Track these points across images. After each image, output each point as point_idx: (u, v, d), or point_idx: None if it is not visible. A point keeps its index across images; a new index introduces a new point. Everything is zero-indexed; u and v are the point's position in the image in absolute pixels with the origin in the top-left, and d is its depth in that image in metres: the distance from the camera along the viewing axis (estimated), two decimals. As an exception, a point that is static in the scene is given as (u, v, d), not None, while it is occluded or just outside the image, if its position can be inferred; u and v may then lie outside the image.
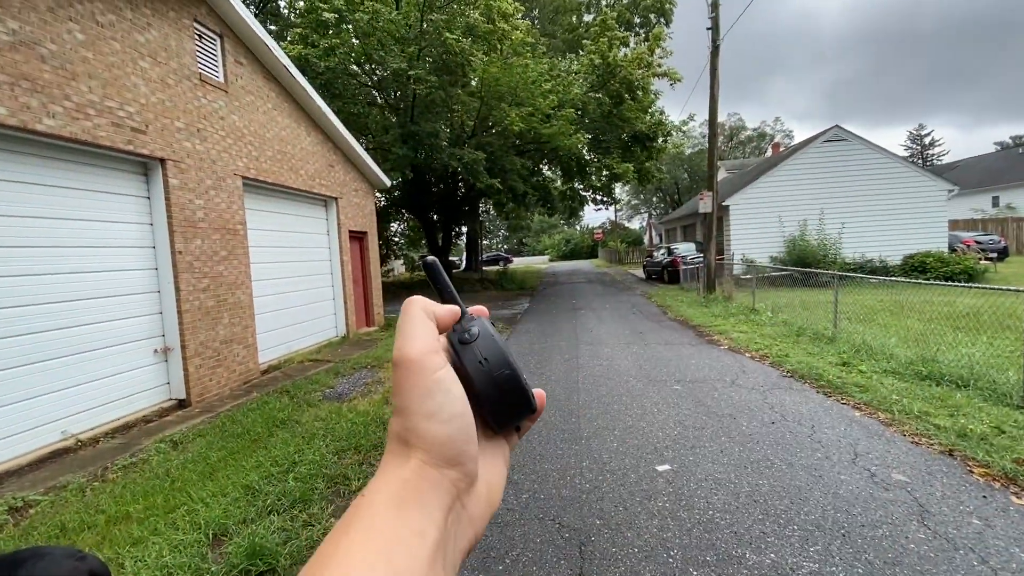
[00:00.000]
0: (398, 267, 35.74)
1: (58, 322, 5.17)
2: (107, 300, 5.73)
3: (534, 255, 71.21)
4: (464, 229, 31.51)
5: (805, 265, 16.42)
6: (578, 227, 71.10)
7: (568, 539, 3.08)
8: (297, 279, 9.75)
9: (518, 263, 46.27)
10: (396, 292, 21.00)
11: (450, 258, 29.00)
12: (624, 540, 3.05)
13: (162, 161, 6.31)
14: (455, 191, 22.78)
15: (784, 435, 4.49)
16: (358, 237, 12.36)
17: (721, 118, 31.36)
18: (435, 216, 24.91)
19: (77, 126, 5.17)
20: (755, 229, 19.57)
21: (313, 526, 3.27)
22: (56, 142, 5.10)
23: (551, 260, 62.77)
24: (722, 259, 17.46)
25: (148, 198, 6.36)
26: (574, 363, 7.71)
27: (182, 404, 6.48)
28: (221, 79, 7.50)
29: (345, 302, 11.29)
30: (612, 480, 3.83)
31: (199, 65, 7.02)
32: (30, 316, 4.90)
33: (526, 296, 19.47)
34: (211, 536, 3.13)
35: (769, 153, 37.31)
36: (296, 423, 5.27)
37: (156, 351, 6.35)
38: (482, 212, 32.96)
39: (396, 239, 31.65)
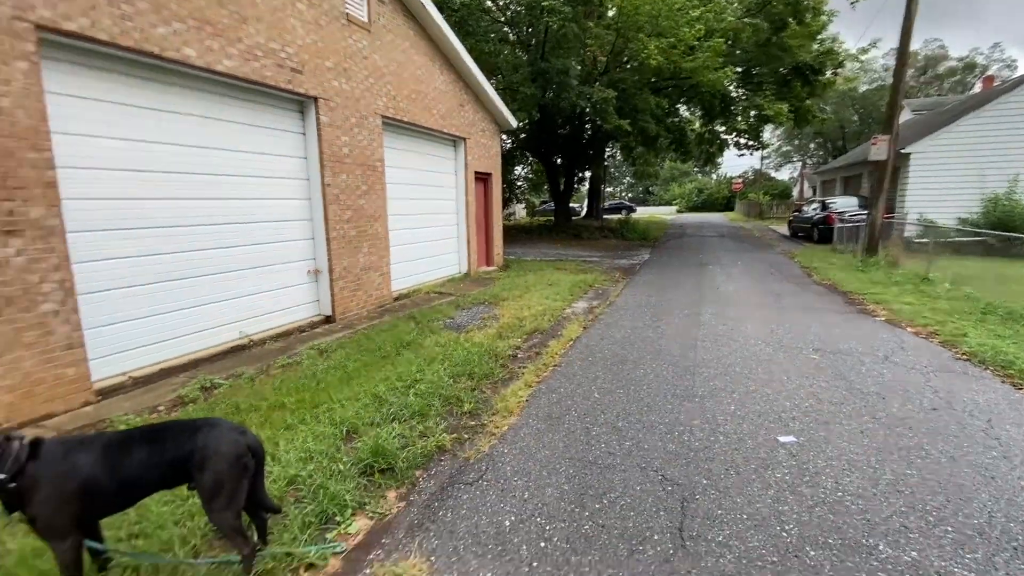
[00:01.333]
0: (519, 211, 36.29)
1: (237, 240, 6.10)
2: (273, 224, 6.61)
3: (660, 205, 67.26)
4: (587, 174, 30.60)
5: (1009, 230, 13.27)
6: (714, 175, 65.06)
7: (670, 492, 2.99)
8: (426, 216, 10.34)
9: (641, 212, 44.14)
10: (515, 235, 21.43)
11: (570, 204, 28.55)
12: (732, 504, 2.88)
13: (315, 100, 6.91)
14: (581, 133, 21.98)
15: (948, 425, 3.81)
16: (483, 178, 12.63)
17: (915, 45, 25.42)
18: (559, 160, 24.48)
19: (248, 67, 5.81)
20: (941, 183, 16.16)
21: (427, 437, 3.59)
22: (232, 81, 5.80)
23: (679, 211, 58.82)
24: (891, 218, 14.80)
25: (303, 134, 7.05)
26: (694, 319, 7.26)
27: (328, 320, 7.41)
28: (365, 18, 7.85)
29: (468, 241, 11.78)
30: (725, 443, 3.60)
31: (346, 5, 7.40)
32: (217, 234, 5.84)
33: (647, 247, 18.61)
34: (344, 432, 3.60)
35: (977, 88, 29.86)
36: (419, 346, 5.74)
37: (309, 272, 7.26)
38: (607, 157, 31.60)
39: (519, 182, 31.92)
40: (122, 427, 3.82)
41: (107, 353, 4.76)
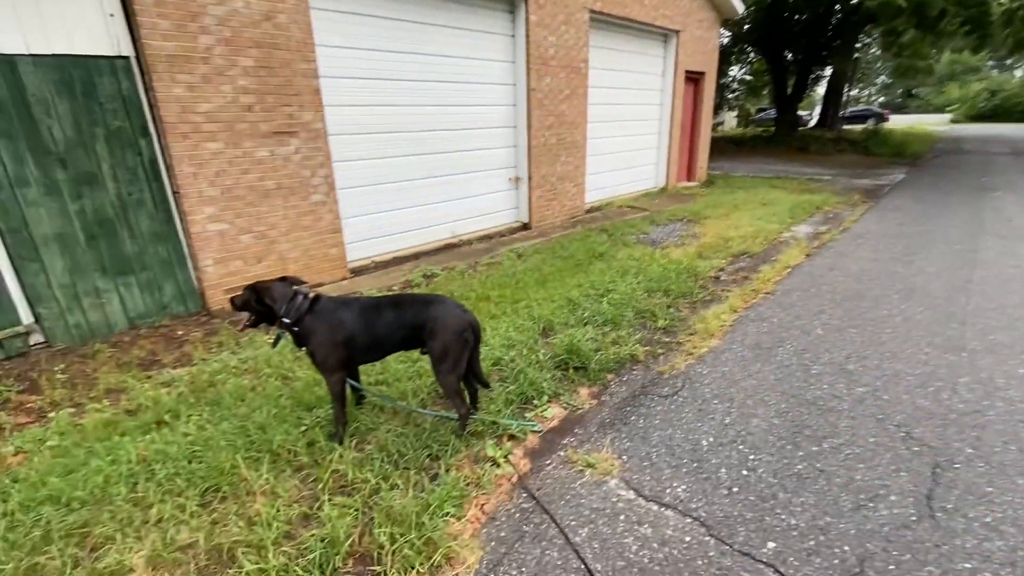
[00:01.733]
0: (729, 119, 31.71)
1: (452, 146, 6.56)
2: (480, 131, 6.92)
3: (927, 112, 51.84)
4: (826, 72, 24.79)
5: None
6: (1018, 72, 46.90)
7: (918, 454, 2.46)
8: (625, 124, 9.71)
9: (896, 122, 34.64)
10: (723, 148, 18.99)
11: (798, 111, 23.73)
12: (1009, 485, 2.24)
13: (524, -3, 6.70)
14: (828, 17, 17.57)
15: None
16: (694, 79, 11.18)
17: None
18: (789, 55, 20.25)
19: (466, -35, 5.83)
20: None
21: (619, 345, 3.56)
22: (451, -17, 5.91)
23: (954, 120, 44.75)
24: None
25: (512, 36, 6.99)
26: (967, 257, 5.59)
27: (524, 227, 7.74)
28: None
29: (669, 152, 10.82)
30: (1005, 411, 2.78)
31: None
32: (432, 139, 6.35)
33: (902, 165, 14.74)
34: (541, 328, 3.79)
35: None
36: (612, 258, 5.63)
37: (510, 179, 7.55)
38: (858, 49, 24.97)
39: (733, 86, 27.65)
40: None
41: (356, 240, 5.75)
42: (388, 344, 2.46)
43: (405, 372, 3.14)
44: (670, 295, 4.50)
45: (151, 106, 4.06)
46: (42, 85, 3.57)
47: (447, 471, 2.31)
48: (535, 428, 2.65)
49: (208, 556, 1.90)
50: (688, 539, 1.96)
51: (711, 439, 2.58)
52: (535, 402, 2.89)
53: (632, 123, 9.94)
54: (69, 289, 3.90)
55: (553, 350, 3.40)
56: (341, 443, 2.50)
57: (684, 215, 8.08)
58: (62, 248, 3.83)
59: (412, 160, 6.19)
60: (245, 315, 2.47)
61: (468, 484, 2.24)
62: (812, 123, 27.68)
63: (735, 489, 2.23)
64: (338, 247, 5.42)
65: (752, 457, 2.43)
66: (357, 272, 5.65)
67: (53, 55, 3.60)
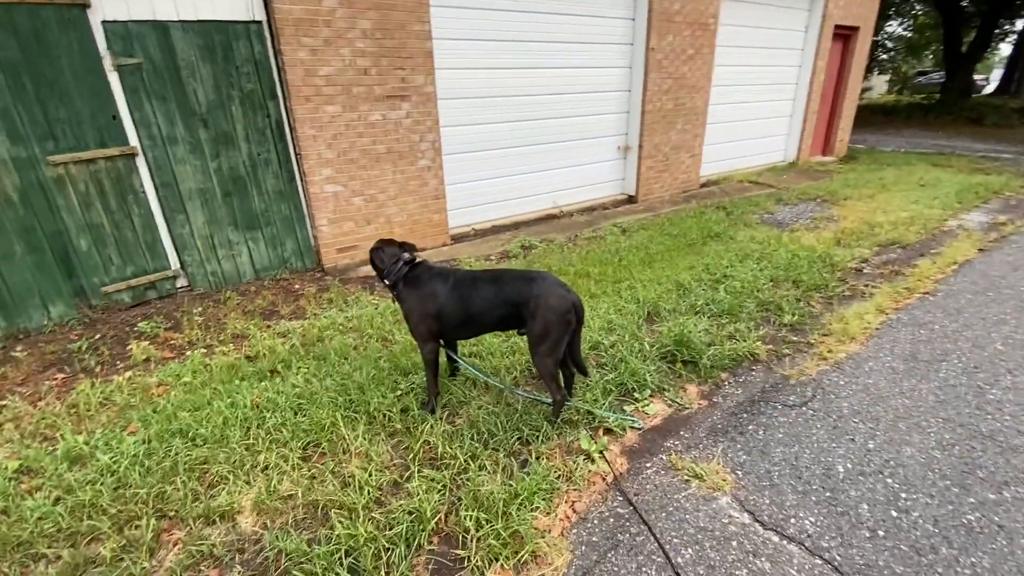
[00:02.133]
0: (879, 85, 27.21)
1: (555, 111, 6.22)
2: (589, 96, 6.50)
3: None
4: (1017, 26, 20.17)
5: None
6: None
7: None
8: (754, 88, 8.64)
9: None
10: (869, 118, 16.44)
11: (973, 75, 19.64)
12: None
13: (652, -57, 6.05)
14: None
15: None
16: (844, 35, 9.62)
17: None
18: (969, 5, 16.70)
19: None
20: None
21: (736, 340, 3.16)
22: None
23: None
24: None
25: (634, -10, 6.40)
26: None
27: (630, 200, 7.27)
28: None
29: (804, 121, 9.52)
30: None
31: None
32: (538, 104, 6.05)
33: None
34: (646, 313, 3.49)
35: None
36: (731, 239, 5.06)
37: (619, 148, 7.08)
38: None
39: (887, 45, 23.62)
40: (466, 267, 4.63)
41: (457, 207, 5.74)
42: (484, 321, 2.35)
43: (499, 347, 3.05)
44: (800, 287, 3.92)
45: (279, 69, 4.25)
46: (189, 49, 3.85)
47: (537, 459, 2.18)
48: (635, 424, 2.43)
49: (305, 510, 1.97)
50: (817, 585, 1.65)
51: (849, 465, 2.18)
52: (636, 395, 2.65)
53: (762, 87, 8.81)
54: (207, 240, 4.31)
55: (659, 339, 3.10)
56: (433, 413, 2.47)
57: (818, 194, 7.08)
58: (203, 202, 4.21)
59: (517, 126, 5.98)
60: None
61: (559, 477, 2.10)
62: (988, 89, 22.94)
63: (880, 533, 1.85)
64: (440, 213, 5.44)
65: (905, 496, 2.01)
66: (457, 239, 5.66)
67: (199, 20, 3.86)
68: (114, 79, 3.66)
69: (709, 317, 3.42)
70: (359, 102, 4.59)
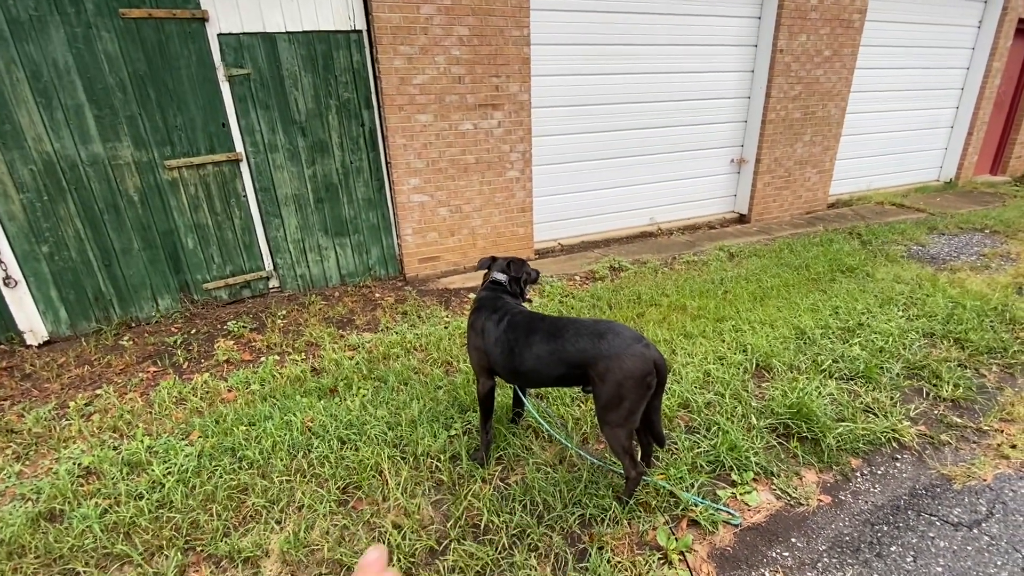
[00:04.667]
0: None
1: (659, 120, 5.67)
2: (702, 103, 5.86)
3: None
4: None
5: None
6: None
7: None
8: (906, 94, 7.33)
9: None
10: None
11: None
12: None
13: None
14: None
15: None
16: (1035, 29, 7.86)
17: None
18: None
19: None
20: None
21: (874, 415, 2.48)
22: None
23: None
24: None
25: (763, -16, 5.66)
26: None
27: (741, 219, 6.47)
28: None
29: (969, 133, 7.93)
30: None
31: None
32: (641, 112, 5.55)
33: None
34: (754, 365, 2.90)
35: None
36: (868, 276, 4.19)
37: (732, 161, 6.33)
38: None
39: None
40: (548, 288, 4.29)
41: (544, 220, 5.43)
42: (538, 378, 1.98)
43: (569, 391, 2.68)
44: (966, 348, 3.07)
45: (375, 78, 4.24)
46: (292, 59, 3.95)
47: (600, 549, 1.78)
48: (733, 521, 1.93)
49: (329, 569, 1.76)
50: None
51: (1055, 638, 1.52)
52: (734, 477, 2.13)
53: (916, 93, 7.44)
54: (299, 244, 4.42)
55: (768, 403, 2.52)
56: (483, 466, 2.17)
57: (987, 223, 5.76)
58: (297, 207, 4.32)
59: (615, 136, 5.53)
60: None
61: (625, 579, 1.69)
62: None
63: None
64: (526, 227, 5.17)
65: None
66: (541, 254, 5.35)
67: (303, 31, 3.94)
68: (225, 88, 3.85)
69: (838, 379, 2.74)
70: (451, 111, 4.47)
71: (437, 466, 2.18)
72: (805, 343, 3.10)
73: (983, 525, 1.91)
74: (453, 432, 2.38)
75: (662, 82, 5.54)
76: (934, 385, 2.75)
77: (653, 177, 5.94)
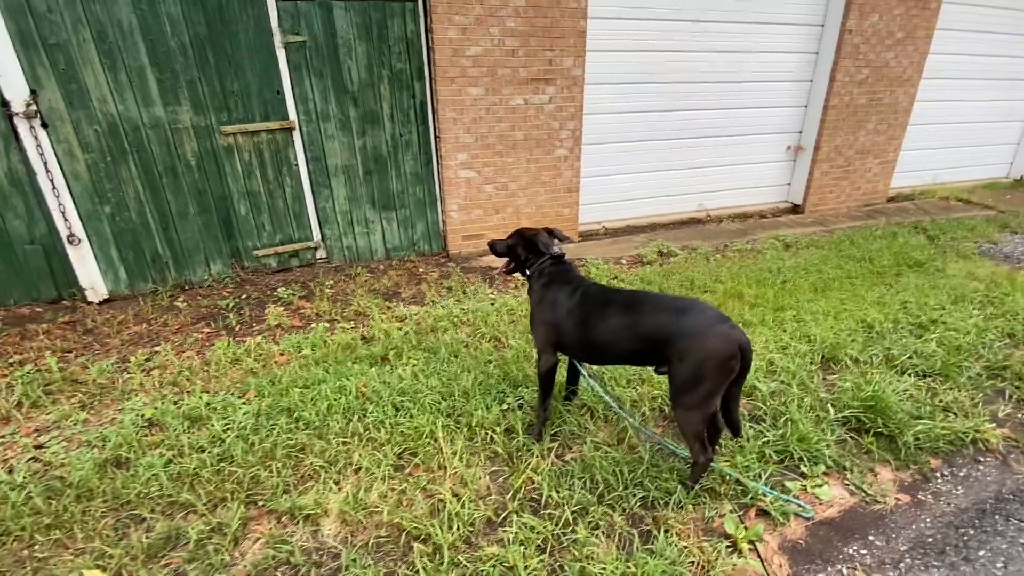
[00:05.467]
0: None
1: (714, 102, 5.43)
2: (760, 85, 5.59)
3: None
4: None
5: None
6: None
7: None
8: (980, 83, 6.83)
9: None
10: None
11: None
12: None
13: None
14: None
15: None
16: None
17: None
18: None
19: None
20: None
21: (953, 415, 2.33)
22: None
23: None
24: None
25: (836, -43, 5.32)
26: None
27: (795, 209, 6.20)
28: None
29: (1049, 127, 7.36)
30: None
31: None
32: (696, 93, 5.30)
33: None
34: (820, 357, 2.76)
35: None
36: (938, 272, 3.94)
37: (789, 148, 6.04)
38: None
39: None
40: (594, 270, 4.19)
41: (590, 202, 5.30)
42: (610, 354, 1.92)
43: (626, 372, 2.60)
44: (1052, 352, 2.85)
45: (428, 49, 4.17)
46: (347, 27, 3.91)
47: (665, 532, 1.71)
48: (805, 514, 1.83)
49: (388, 532, 1.75)
50: None
51: None
52: (804, 470, 2.02)
53: (991, 83, 6.92)
54: (347, 216, 4.43)
55: (840, 395, 2.39)
56: (539, 441, 2.12)
57: (1069, 224, 5.36)
58: (346, 179, 4.32)
59: (667, 116, 5.32)
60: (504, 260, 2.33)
61: (693, 565, 1.62)
62: None
63: None
64: (571, 207, 5.06)
65: None
66: (586, 236, 5.24)
67: (360, -1, 3.90)
68: (281, 55, 3.84)
69: (912, 376, 2.58)
70: (502, 85, 4.37)
71: (492, 438, 2.14)
72: (873, 337, 2.93)
73: (1085, 537, 1.76)
74: (506, 406, 2.34)
75: (719, 62, 5.30)
76: (1017, 387, 2.56)
77: (704, 161, 5.73)
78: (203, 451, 2.06)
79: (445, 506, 1.80)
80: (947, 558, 1.69)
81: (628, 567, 1.56)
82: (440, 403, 2.33)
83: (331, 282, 4.06)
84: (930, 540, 1.76)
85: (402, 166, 4.45)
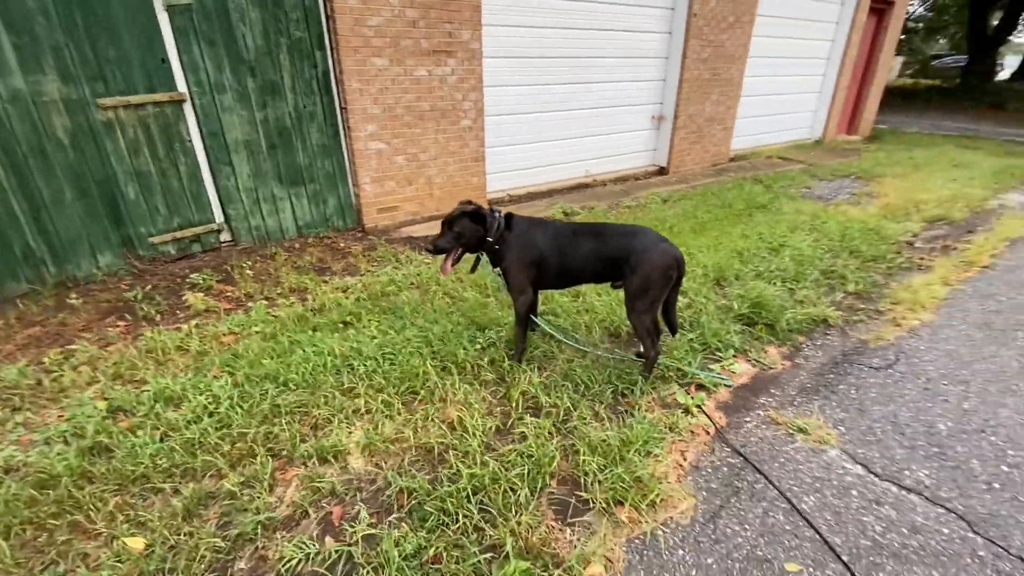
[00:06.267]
0: (896, 67, 26.60)
1: (592, 76, 6.03)
2: (628, 61, 6.33)
3: None
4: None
5: None
6: None
7: None
8: (786, 61, 8.47)
9: None
10: (887, 101, 16.20)
11: (996, 61, 19.27)
12: None
13: (703, -99, 5.82)
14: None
15: None
16: (879, 10, 9.42)
17: None
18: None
19: None
20: None
21: (806, 305, 3.15)
22: None
23: None
24: None
25: (681, -50, 6.18)
26: None
27: (662, 171, 7.18)
28: None
29: (833, 98, 9.38)
30: None
31: None
32: (577, 68, 5.86)
33: None
34: (714, 278, 3.46)
35: None
36: (778, 211, 5.02)
37: (653, 117, 6.94)
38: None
39: (908, 25, 23.15)
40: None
41: (494, 171, 5.63)
42: (581, 274, 2.32)
43: (570, 306, 3.02)
44: (859, 257, 3.91)
45: (328, 17, 4.08)
46: (240, -9, 3.68)
47: (636, 410, 2.17)
48: (726, 381, 2.43)
49: (417, 452, 1.96)
50: (947, 531, 1.67)
51: (949, 424, 2.19)
52: (720, 355, 2.64)
53: (795, 61, 8.64)
54: (252, 193, 4.20)
55: (734, 302, 3.08)
56: (519, 363, 2.46)
57: (851, 171, 7.02)
58: (248, 154, 4.08)
59: (554, 89, 5.81)
60: (442, 256, 2.29)
61: (663, 426, 2.10)
62: (1003, 75, 22.67)
63: (996, 485, 1.86)
64: (479, 176, 5.34)
65: (1012, 452, 2.03)
66: (494, 204, 5.57)
67: (250, -40, 3.68)
68: (164, 19, 3.51)
69: (772, 283, 3.40)
70: (406, 56, 4.44)
71: (480, 369, 2.42)
72: (745, 259, 3.75)
73: (894, 367, 2.61)
74: (479, 345, 2.61)
75: (599, 38, 5.89)
76: (842, 283, 3.52)
77: (587, 131, 6.35)
78: (199, 421, 2.03)
79: (461, 422, 2.05)
80: (821, 394, 2.40)
81: (623, 432, 1.98)
82: (422, 349, 2.53)
83: (249, 263, 3.88)
84: (808, 386, 2.46)
85: (308, 138, 4.33)
